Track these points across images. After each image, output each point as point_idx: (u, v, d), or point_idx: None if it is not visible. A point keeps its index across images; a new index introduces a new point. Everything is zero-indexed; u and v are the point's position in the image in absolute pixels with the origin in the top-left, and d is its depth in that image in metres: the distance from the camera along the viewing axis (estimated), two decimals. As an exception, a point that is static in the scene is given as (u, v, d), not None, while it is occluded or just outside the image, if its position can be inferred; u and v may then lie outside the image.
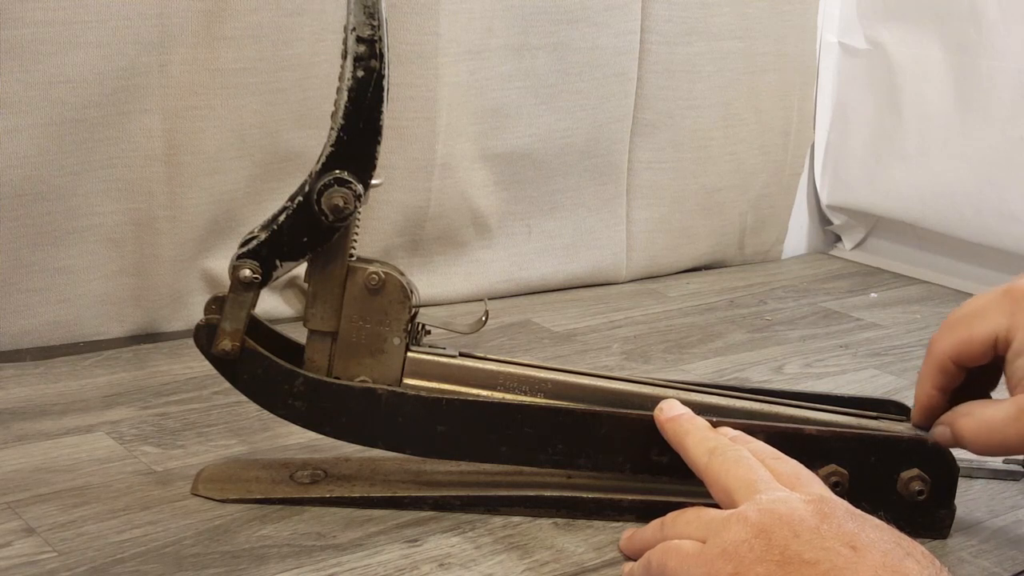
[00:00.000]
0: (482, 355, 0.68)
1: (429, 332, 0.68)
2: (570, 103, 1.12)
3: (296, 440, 0.74)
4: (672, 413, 0.64)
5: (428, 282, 1.08)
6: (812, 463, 0.65)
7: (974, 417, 0.63)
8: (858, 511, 0.55)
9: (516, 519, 0.66)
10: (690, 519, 0.58)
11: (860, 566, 0.50)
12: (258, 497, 0.66)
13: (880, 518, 0.55)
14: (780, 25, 1.25)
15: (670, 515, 0.60)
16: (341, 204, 0.61)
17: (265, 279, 0.63)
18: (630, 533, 0.63)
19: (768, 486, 0.57)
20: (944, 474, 0.66)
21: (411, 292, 0.65)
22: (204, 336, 0.64)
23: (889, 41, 1.29)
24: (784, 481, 0.58)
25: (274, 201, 0.92)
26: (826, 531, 0.52)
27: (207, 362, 0.65)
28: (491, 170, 1.10)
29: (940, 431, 0.65)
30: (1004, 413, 0.62)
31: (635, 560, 0.60)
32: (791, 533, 0.52)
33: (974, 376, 0.65)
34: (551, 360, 0.76)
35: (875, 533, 0.53)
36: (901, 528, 0.65)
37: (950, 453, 0.66)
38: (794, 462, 0.61)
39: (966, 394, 0.65)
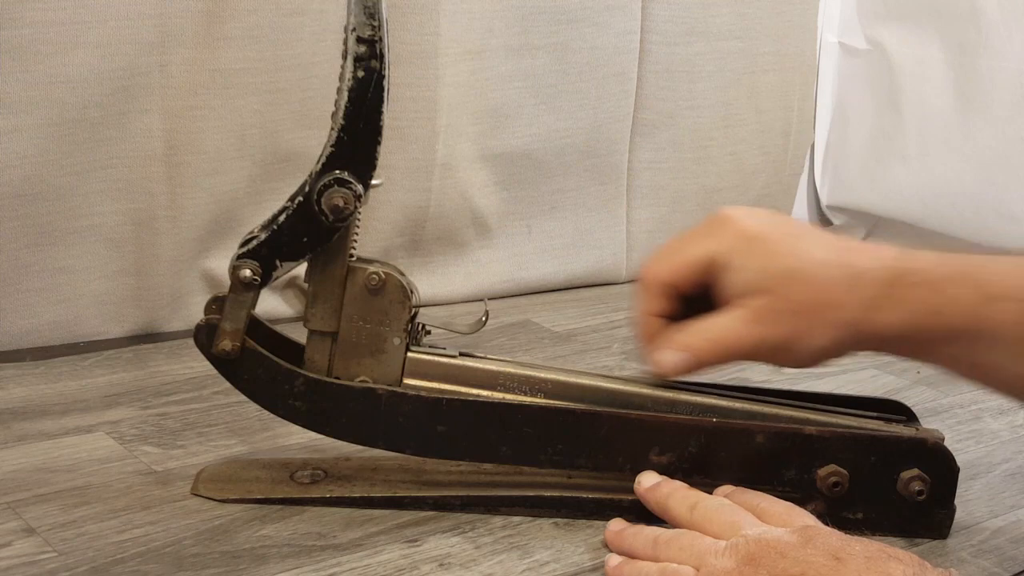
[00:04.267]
0: (482, 355, 0.68)
1: (429, 332, 0.68)
2: (570, 103, 1.12)
3: (296, 440, 0.74)
4: (650, 483, 0.65)
5: (428, 282, 1.08)
6: (812, 463, 0.65)
7: (707, 329, 0.64)
8: (846, 535, 0.56)
9: (516, 519, 0.66)
10: (684, 545, 0.59)
11: (843, 571, 0.52)
12: (258, 497, 0.66)
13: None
14: (780, 25, 1.25)
15: (663, 535, 0.60)
16: (341, 204, 0.61)
17: (265, 279, 0.63)
18: (619, 528, 0.64)
19: (752, 524, 0.59)
20: (944, 474, 0.66)
21: (411, 292, 0.65)
22: (204, 336, 0.64)
23: (889, 41, 1.29)
24: (776, 520, 0.60)
25: (274, 201, 0.92)
26: (810, 549, 0.54)
27: (207, 362, 0.65)
28: (491, 170, 1.10)
29: (670, 354, 0.65)
30: (734, 318, 0.63)
31: (617, 554, 0.62)
32: (777, 555, 0.54)
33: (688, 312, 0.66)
34: (551, 360, 0.76)
35: (860, 546, 0.55)
36: (901, 528, 0.66)
37: (950, 453, 0.66)
38: (787, 503, 0.63)
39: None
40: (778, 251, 0.63)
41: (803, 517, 0.61)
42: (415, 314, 0.66)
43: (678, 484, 0.65)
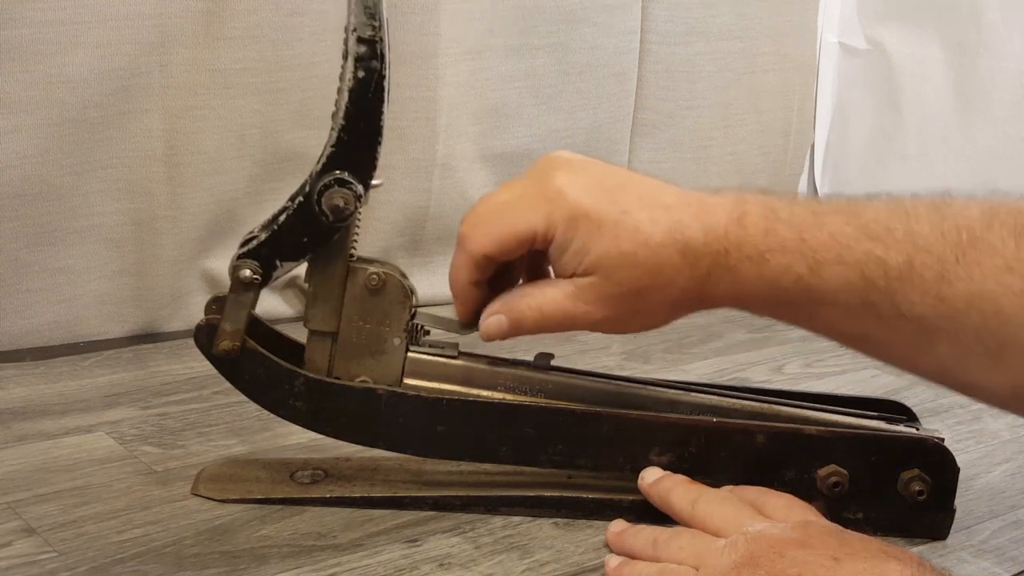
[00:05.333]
0: (482, 355, 0.68)
1: (428, 332, 0.68)
2: (570, 103, 1.12)
3: (296, 440, 0.74)
4: (653, 478, 0.65)
5: (428, 282, 1.07)
6: (812, 463, 0.65)
7: (534, 297, 0.63)
8: (847, 530, 0.57)
9: (516, 519, 0.66)
10: (683, 544, 0.59)
11: (840, 571, 0.52)
12: (258, 497, 0.66)
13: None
14: (780, 25, 1.25)
15: (663, 535, 0.60)
16: (341, 204, 0.61)
17: (265, 279, 0.63)
18: (620, 528, 0.64)
19: (753, 519, 0.59)
20: (944, 474, 0.66)
21: (411, 292, 0.65)
22: (205, 336, 0.64)
23: (889, 41, 1.29)
24: (778, 514, 0.60)
25: (274, 201, 0.92)
26: (809, 548, 0.54)
27: (207, 362, 0.65)
28: (491, 170, 1.10)
29: (494, 320, 0.64)
30: (564, 293, 0.62)
31: (618, 554, 0.62)
32: (776, 554, 0.54)
33: (505, 267, 0.65)
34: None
35: (859, 544, 0.55)
36: (901, 528, 0.66)
37: (950, 453, 0.66)
38: (788, 496, 0.63)
39: (499, 285, 0.65)
40: (608, 232, 0.61)
41: (804, 511, 0.62)
42: (414, 314, 0.66)
43: (680, 478, 0.65)
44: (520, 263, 0.65)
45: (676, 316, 0.64)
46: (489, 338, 0.65)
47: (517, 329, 0.64)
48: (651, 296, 0.62)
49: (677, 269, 0.61)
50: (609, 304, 0.62)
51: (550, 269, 0.65)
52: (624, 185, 0.63)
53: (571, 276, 0.62)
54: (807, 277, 0.60)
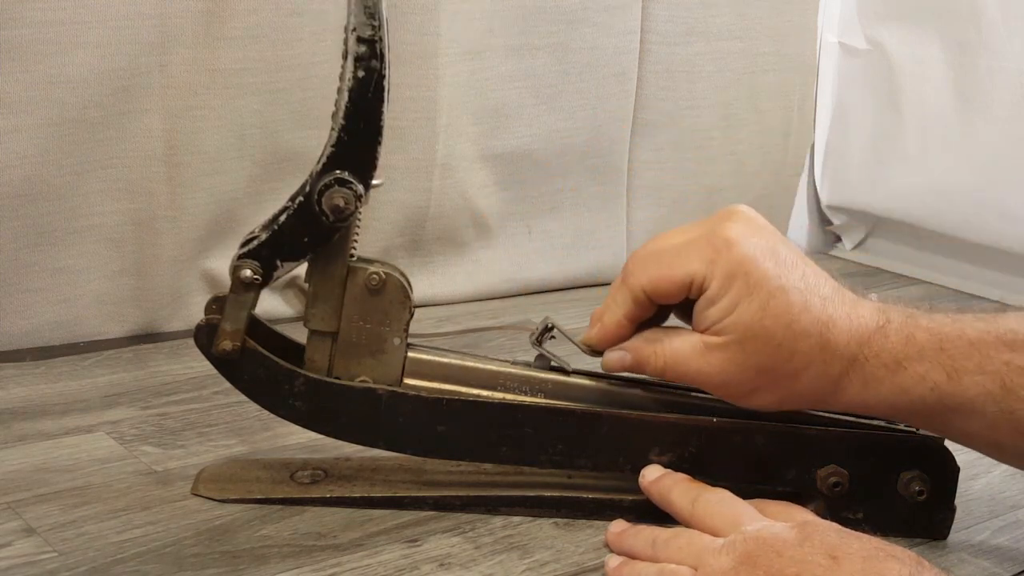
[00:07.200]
0: (482, 355, 0.68)
1: (554, 337, 0.67)
2: (570, 103, 1.12)
3: (296, 440, 0.74)
4: (654, 476, 0.65)
5: (428, 282, 1.08)
6: (812, 463, 0.66)
7: (662, 345, 0.63)
8: (845, 530, 0.56)
9: (516, 519, 0.66)
10: (682, 545, 0.59)
11: (839, 572, 0.52)
12: (258, 497, 0.66)
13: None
14: (780, 25, 1.25)
15: (662, 535, 0.60)
16: (342, 204, 0.61)
17: (266, 279, 0.63)
18: (620, 529, 0.64)
19: (752, 518, 0.59)
20: (944, 474, 0.66)
21: (411, 293, 0.65)
22: (205, 336, 0.64)
23: (889, 41, 1.29)
24: (777, 517, 0.60)
25: (274, 201, 0.92)
26: (808, 548, 0.54)
27: (207, 362, 0.64)
28: (491, 170, 1.10)
29: (619, 356, 0.65)
30: (691, 347, 0.62)
31: (618, 554, 0.62)
32: (774, 554, 0.54)
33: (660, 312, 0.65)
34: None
35: (857, 543, 0.54)
36: (901, 528, 0.66)
37: (950, 453, 0.66)
38: (786, 502, 0.63)
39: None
40: (758, 299, 0.60)
41: (802, 512, 0.62)
42: (413, 314, 0.66)
43: (681, 476, 0.65)
44: (673, 309, 0.66)
45: (790, 406, 0.64)
46: (610, 370, 0.66)
47: (639, 369, 0.64)
48: (775, 377, 0.62)
49: (810, 361, 0.61)
50: (731, 371, 0.62)
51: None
52: (793, 260, 0.62)
53: (706, 329, 0.62)
54: (944, 385, 0.60)
